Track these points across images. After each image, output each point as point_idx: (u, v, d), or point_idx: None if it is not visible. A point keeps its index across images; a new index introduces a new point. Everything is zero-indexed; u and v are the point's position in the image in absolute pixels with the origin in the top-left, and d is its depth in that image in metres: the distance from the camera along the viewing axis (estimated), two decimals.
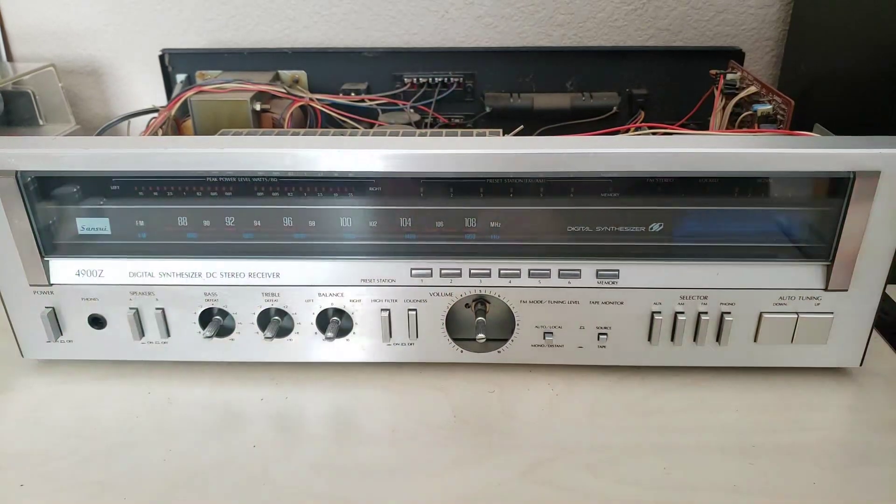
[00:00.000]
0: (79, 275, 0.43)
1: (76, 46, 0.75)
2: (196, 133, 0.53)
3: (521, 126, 0.52)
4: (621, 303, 0.43)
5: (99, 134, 0.52)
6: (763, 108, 0.50)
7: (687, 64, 0.63)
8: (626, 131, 0.50)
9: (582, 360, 0.45)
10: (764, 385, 0.45)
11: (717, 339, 0.44)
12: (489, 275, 0.43)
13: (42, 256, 0.43)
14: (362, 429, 0.42)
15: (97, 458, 0.40)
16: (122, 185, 0.41)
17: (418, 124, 0.58)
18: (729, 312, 0.43)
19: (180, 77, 0.65)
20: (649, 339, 0.44)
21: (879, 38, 0.54)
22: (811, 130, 0.45)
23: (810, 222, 0.41)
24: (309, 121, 0.58)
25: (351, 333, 0.45)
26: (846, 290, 0.42)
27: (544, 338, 0.44)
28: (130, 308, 0.44)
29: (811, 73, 0.65)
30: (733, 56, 0.62)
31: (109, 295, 0.44)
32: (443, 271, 0.43)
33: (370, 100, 0.60)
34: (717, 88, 0.54)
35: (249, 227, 0.42)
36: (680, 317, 0.43)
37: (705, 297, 0.43)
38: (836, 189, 0.40)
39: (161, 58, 0.65)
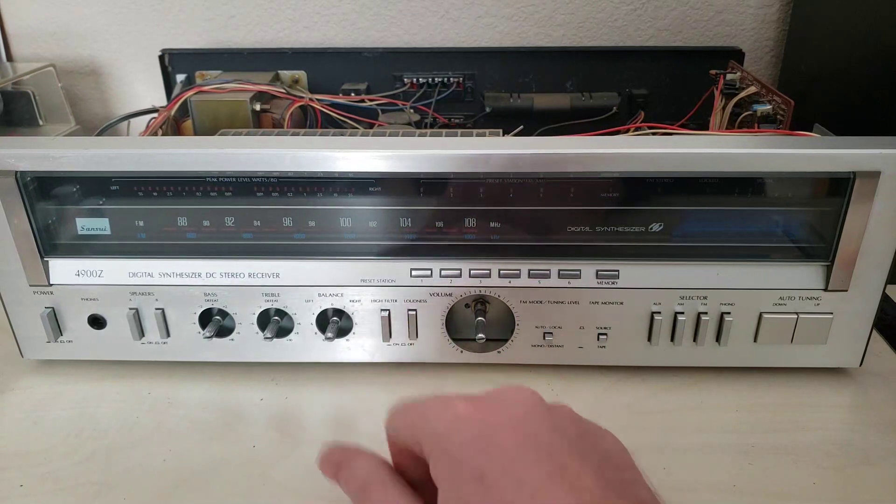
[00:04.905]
0: (78, 275, 0.43)
1: (76, 46, 0.74)
2: (196, 133, 0.53)
3: (521, 126, 0.52)
4: (621, 303, 0.43)
5: (99, 134, 0.52)
6: (763, 108, 0.50)
7: (687, 64, 0.63)
8: (626, 131, 0.50)
9: (582, 361, 0.45)
10: (764, 385, 0.45)
11: (717, 339, 0.44)
12: (489, 275, 0.43)
13: (42, 256, 0.43)
14: (362, 429, 0.42)
15: (97, 458, 0.40)
16: (122, 185, 0.41)
17: (418, 124, 0.58)
18: (729, 312, 0.43)
19: (180, 77, 0.65)
20: (649, 339, 0.44)
21: (879, 38, 0.53)
22: (811, 130, 0.45)
23: (810, 222, 0.41)
24: (309, 121, 0.58)
25: (351, 333, 0.45)
26: (846, 291, 0.42)
27: (544, 338, 0.44)
28: (130, 308, 0.44)
29: (811, 73, 0.65)
30: (733, 56, 0.62)
31: (109, 295, 0.44)
32: (443, 271, 0.43)
33: (370, 100, 0.60)
34: (717, 88, 0.54)
35: (249, 227, 0.42)
36: (680, 317, 0.43)
37: (705, 298, 0.43)
38: (836, 189, 0.40)
39: (161, 58, 0.65)
